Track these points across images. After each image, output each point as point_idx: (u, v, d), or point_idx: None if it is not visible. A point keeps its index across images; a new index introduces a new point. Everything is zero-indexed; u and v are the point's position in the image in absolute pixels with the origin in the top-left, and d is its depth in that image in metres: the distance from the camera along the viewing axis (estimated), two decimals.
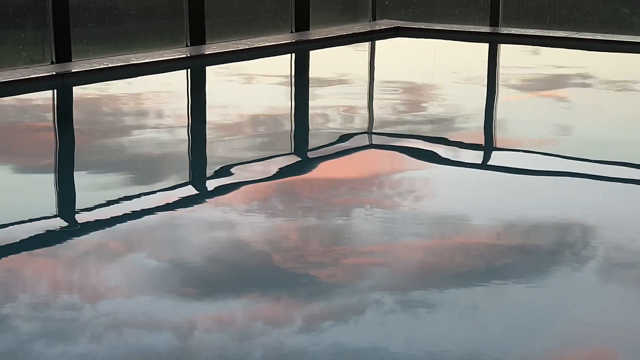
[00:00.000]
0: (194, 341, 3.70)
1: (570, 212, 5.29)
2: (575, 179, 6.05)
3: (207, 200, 5.80)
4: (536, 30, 11.56)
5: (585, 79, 9.88)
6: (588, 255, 4.66)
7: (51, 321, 3.87)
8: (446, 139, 7.26)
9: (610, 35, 11.16)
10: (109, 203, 5.46)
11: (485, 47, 11.66)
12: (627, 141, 7.03)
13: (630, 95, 9.04)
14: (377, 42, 11.87)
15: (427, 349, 3.63)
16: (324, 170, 6.41)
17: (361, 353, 3.57)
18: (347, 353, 3.58)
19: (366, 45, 11.81)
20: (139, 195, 5.63)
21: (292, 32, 11.51)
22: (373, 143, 7.29)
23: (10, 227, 5.02)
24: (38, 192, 5.80)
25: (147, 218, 5.19)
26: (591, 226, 5.08)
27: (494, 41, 11.67)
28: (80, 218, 5.36)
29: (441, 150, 6.88)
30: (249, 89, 9.29)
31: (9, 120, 7.91)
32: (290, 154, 6.98)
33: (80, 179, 6.32)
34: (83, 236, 5.03)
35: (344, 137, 7.32)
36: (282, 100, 8.92)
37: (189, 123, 7.99)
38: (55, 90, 8.63)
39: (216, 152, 7.00)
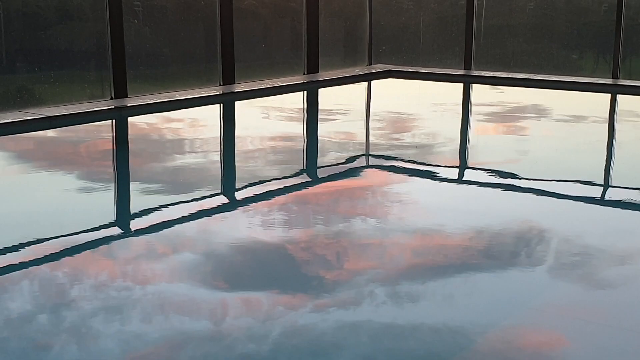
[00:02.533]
0: (224, 318, 3.73)
1: (529, 220, 5.28)
2: (533, 193, 6.04)
3: (235, 207, 5.80)
4: (501, 72, 11.56)
5: (541, 113, 9.87)
6: (543, 256, 4.66)
7: (110, 304, 3.90)
8: (428, 160, 7.27)
9: (562, 76, 11.15)
10: (156, 209, 5.49)
11: (460, 86, 11.65)
12: (575, 163, 7.03)
13: (578, 125, 9.05)
14: (372, 82, 11.88)
15: (410, 322, 3.67)
16: (329, 185, 6.42)
17: (358, 326, 3.60)
18: (347, 326, 3.61)
19: (364, 85, 11.82)
20: (180, 203, 5.66)
21: (304, 73, 11.54)
22: (369, 163, 7.30)
23: (76, 230, 5.02)
24: (99, 201, 5.82)
25: (186, 221, 5.21)
26: (546, 232, 5.08)
27: (467, 81, 11.66)
28: (133, 222, 5.39)
29: (424, 169, 6.89)
30: (270, 120, 9.32)
31: (77, 144, 7.94)
32: (302, 171, 7.00)
33: (134, 190, 6.34)
34: (135, 236, 5.06)
35: (346, 158, 7.33)
36: (296, 128, 8.94)
37: (221, 146, 8.01)
38: (113, 121, 8.64)
39: (243, 169, 7.01)
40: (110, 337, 3.53)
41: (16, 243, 4.73)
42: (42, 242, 4.75)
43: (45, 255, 4.59)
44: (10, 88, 8.75)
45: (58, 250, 4.66)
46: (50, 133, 7.93)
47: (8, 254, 4.61)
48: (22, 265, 4.43)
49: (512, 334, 3.61)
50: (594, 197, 6.04)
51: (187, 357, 3.36)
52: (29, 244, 4.73)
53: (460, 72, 11.84)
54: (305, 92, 11.00)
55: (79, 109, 8.30)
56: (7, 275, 4.35)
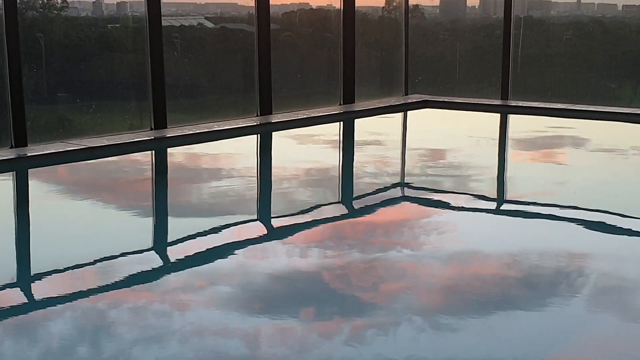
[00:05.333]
0: (259, 344, 3.79)
1: (567, 251, 5.28)
2: (572, 224, 6.05)
3: (271, 236, 5.86)
4: (539, 102, 11.53)
5: (580, 143, 9.83)
6: (582, 288, 4.65)
7: (149, 330, 3.99)
8: (464, 190, 7.28)
9: (600, 106, 11.08)
10: (195, 236, 5.59)
11: (497, 116, 11.64)
12: (613, 193, 7.00)
13: (616, 156, 8.99)
14: (409, 112, 11.90)
15: (449, 355, 3.69)
16: (365, 216, 6.46)
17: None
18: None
19: (400, 115, 11.85)
20: (217, 231, 5.76)
21: (340, 104, 11.62)
22: (405, 194, 7.33)
23: (113, 260, 5.13)
24: (139, 229, 5.95)
25: (223, 249, 5.29)
26: (584, 263, 5.08)
27: (504, 112, 11.64)
28: (172, 249, 5.49)
29: (460, 200, 6.89)
30: (306, 150, 9.38)
31: (117, 174, 8.07)
32: (338, 202, 7.05)
33: (173, 219, 6.45)
34: (173, 264, 5.15)
35: (382, 189, 7.37)
36: (333, 159, 9.00)
37: (258, 176, 8.10)
38: (153, 151, 8.77)
39: (279, 199, 7.08)
40: None
41: (58, 268, 4.85)
42: (84, 268, 4.86)
43: (85, 281, 4.70)
44: (52, 119, 8.92)
45: (98, 276, 4.78)
46: (91, 164, 8.07)
47: (50, 280, 4.73)
48: (63, 292, 4.54)
49: None
50: (633, 229, 6.01)
51: None
52: (70, 269, 4.84)
53: (497, 102, 11.83)
54: (342, 122, 11.06)
55: (120, 140, 8.45)
56: (48, 301, 4.46)
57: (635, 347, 3.81)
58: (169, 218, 6.62)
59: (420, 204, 6.86)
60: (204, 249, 5.33)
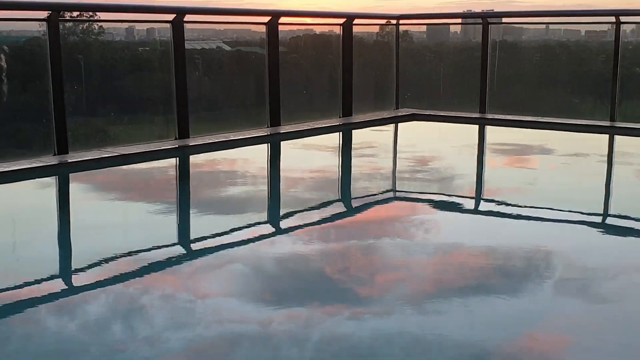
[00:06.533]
0: (270, 328, 3.79)
1: (537, 244, 5.27)
2: (541, 220, 6.05)
3: (279, 234, 5.87)
4: (512, 115, 11.51)
5: (547, 151, 9.82)
6: (550, 275, 4.66)
7: (169, 314, 4.00)
8: (448, 192, 7.29)
9: (565, 119, 11.08)
10: (212, 235, 5.58)
11: (475, 127, 11.64)
12: (577, 194, 7.01)
13: (578, 162, 9.00)
14: (399, 124, 11.90)
15: (434, 335, 3.70)
16: (362, 215, 6.47)
17: (389, 339, 3.64)
18: (380, 339, 3.65)
19: (391, 127, 11.84)
20: (233, 230, 5.75)
21: (340, 117, 11.62)
22: (396, 196, 7.33)
23: (142, 252, 5.16)
24: (162, 229, 5.93)
25: (237, 246, 5.31)
26: (552, 254, 5.08)
27: (482, 123, 11.64)
28: (193, 246, 5.50)
29: (444, 200, 6.91)
30: (310, 157, 9.38)
31: (144, 179, 8.08)
32: (338, 200, 7.05)
33: (194, 220, 6.44)
34: (193, 258, 5.17)
35: (376, 191, 7.39)
36: (333, 165, 9.00)
37: (268, 180, 8.10)
38: (177, 158, 8.77)
39: (286, 201, 7.08)
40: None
41: (92, 262, 4.85)
42: (116, 260, 4.86)
43: (117, 272, 4.71)
44: (90, 130, 8.94)
45: (129, 267, 4.78)
46: (124, 168, 8.08)
47: (85, 272, 4.74)
48: (98, 280, 4.54)
49: (523, 347, 3.61)
50: (594, 223, 6.04)
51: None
52: (103, 262, 4.85)
53: (476, 115, 11.82)
54: (341, 132, 11.07)
55: (148, 148, 8.47)
56: (84, 288, 4.46)
57: (597, 325, 3.82)
58: (190, 216, 6.61)
59: (409, 204, 6.88)
60: (220, 242, 5.32)
